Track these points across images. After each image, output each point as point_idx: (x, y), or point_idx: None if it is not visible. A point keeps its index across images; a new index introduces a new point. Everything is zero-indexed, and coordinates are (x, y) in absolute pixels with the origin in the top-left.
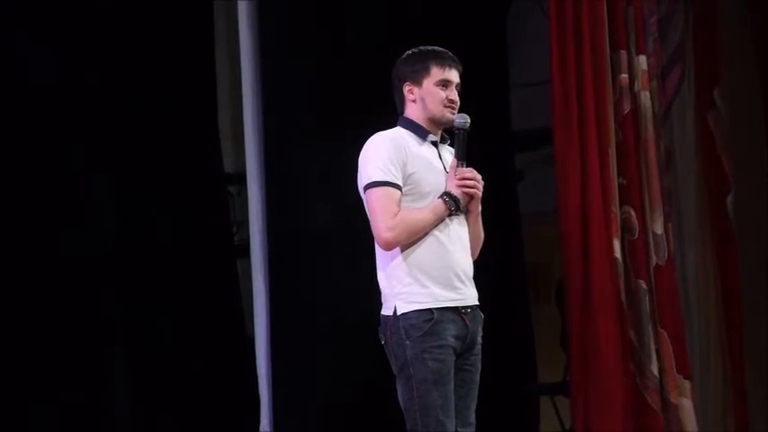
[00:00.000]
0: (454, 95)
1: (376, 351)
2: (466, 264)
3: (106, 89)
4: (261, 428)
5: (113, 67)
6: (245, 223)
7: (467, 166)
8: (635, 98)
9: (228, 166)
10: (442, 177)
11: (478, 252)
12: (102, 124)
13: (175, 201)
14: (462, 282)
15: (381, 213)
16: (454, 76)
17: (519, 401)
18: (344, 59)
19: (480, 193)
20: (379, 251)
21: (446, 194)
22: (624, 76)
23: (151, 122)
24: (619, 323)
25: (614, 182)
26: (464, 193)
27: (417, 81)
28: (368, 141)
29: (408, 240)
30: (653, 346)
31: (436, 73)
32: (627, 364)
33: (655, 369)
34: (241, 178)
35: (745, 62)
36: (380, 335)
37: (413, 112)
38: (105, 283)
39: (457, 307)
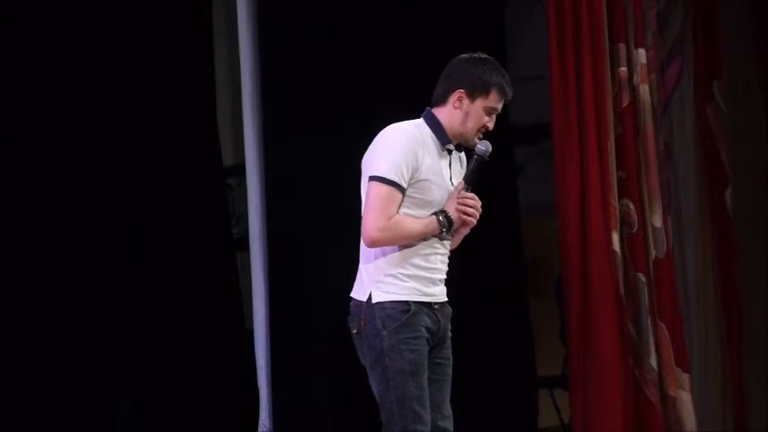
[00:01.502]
0: (492, 125)
1: None
2: (444, 271)
3: (106, 84)
4: (260, 422)
5: (113, 63)
6: (244, 216)
7: (472, 191)
8: (634, 91)
9: (227, 159)
10: (446, 190)
11: None
12: (102, 119)
13: (175, 194)
14: (436, 284)
15: (378, 211)
16: (501, 106)
17: (517, 395)
18: (342, 54)
19: (475, 222)
20: None
21: (443, 214)
22: (623, 69)
23: (150, 116)
24: (617, 316)
25: (613, 175)
26: (460, 217)
27: (472, 95)
28: (391, 129)
29: (391, 245)
30: (652, 340)
31: (493, 100)
32: (625, 358)
33: (653, 362)
34: (240, 171)
35: (745, 56)
36: (351, 324)
37: (448, 116)
38: (105, 277)
39: (429, 302)
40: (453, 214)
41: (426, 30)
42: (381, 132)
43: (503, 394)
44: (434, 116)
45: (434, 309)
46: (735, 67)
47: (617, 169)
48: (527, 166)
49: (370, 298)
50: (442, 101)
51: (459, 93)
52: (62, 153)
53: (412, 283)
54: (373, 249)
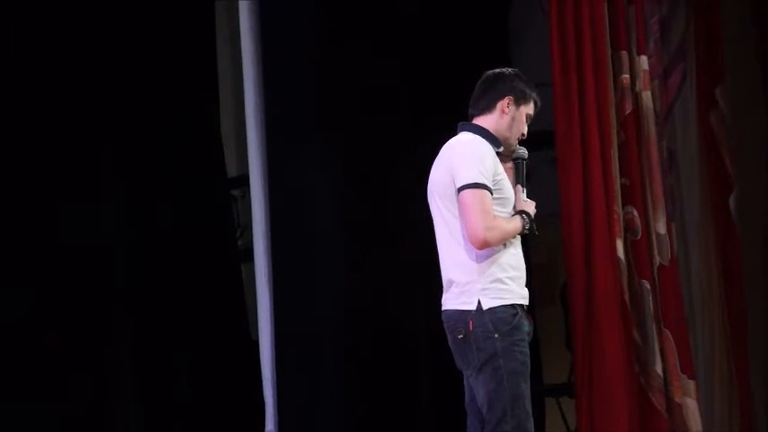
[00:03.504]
0: (526, 132)
1: (380, 353)
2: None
3: (108, 92)
4: None
5: (115, 71)
6: (248, 227)
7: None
8: (636, 98)
9: (231, 170)
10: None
11: None
12: (106, 127)
13: (179, 204)
14: (526, 285)
15: (482, 213)
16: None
17: None
18: (346, 61)
19: None
20: (462, 248)
21: (527, 214)
22: (626, 76)
23: (154, 126)
24: (623, 323)
25: (617, 182)
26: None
27: (518, 102)
28: (461, 143)
29: (497, 245)
30: (657, 347)
31: (531, 108)
32: (631, 365)
33: (659, 369)
34: (244, 181)
35: (747, 61)
36: (456, 329)
37: (494, 122)
38: (110, 287)
39: (523, 305)
40: (532, 211)
41: (430, 38)
42: (450, 149)
43: None
44: (481, 127)
45: (525, 310)
46: (737, 73)
47: (620, 176)
48: (531, 174)
49: (480, 305)
50: (488, 109)
51: (508, 99)
52: (65, 159)
53: (514, 286)
54: (471, 252)
